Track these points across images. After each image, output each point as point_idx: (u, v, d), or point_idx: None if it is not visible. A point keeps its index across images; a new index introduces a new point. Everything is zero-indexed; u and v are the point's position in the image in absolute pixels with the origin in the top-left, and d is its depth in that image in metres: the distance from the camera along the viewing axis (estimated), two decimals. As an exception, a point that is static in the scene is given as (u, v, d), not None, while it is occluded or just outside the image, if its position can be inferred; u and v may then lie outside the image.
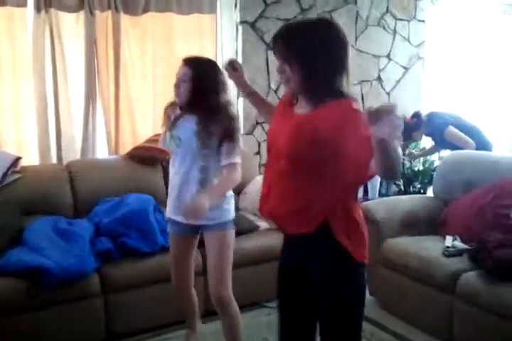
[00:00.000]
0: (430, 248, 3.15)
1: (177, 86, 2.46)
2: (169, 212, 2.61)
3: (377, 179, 4.27)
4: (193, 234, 2.63)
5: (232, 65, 2.30)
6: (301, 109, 1.81)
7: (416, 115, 4.25)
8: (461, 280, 2.85)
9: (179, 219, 2.52)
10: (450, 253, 3.03)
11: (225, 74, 2.41)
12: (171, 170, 2.59)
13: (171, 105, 2.61)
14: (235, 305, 2.57)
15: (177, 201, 2.53)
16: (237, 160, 2.47)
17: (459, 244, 3.09)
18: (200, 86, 2.42)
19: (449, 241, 3.14)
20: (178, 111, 2.57)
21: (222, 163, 2.45)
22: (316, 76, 1.71)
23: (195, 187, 2.46)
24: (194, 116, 2.47)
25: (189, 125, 2.47)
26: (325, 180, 1.73)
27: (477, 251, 2.92)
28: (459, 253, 3.03)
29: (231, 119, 2.45)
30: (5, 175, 3.24)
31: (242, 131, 2.70)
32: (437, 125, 4.14)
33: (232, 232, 2.57)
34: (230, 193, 2.57)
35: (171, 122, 2.56)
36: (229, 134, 2.41)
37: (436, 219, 3.48)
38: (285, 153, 1.76)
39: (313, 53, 1.69)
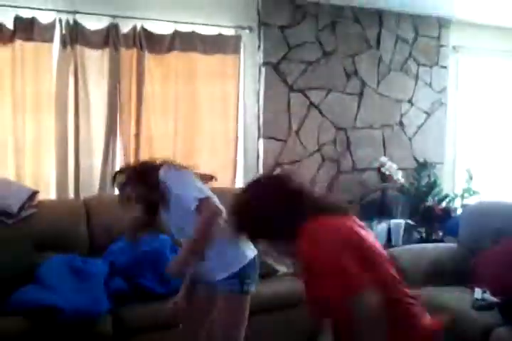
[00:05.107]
0: (458, 299, 3.01)
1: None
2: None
3: (401, 224, 4.14)
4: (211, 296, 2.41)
5: None
6: None
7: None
8: (493, 335, 2.70)
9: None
10: (480, 306, 2.89)
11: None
12: None
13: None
14: None
15: None
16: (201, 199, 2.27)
17: (489, 297, 2.95)
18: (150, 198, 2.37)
19: (478, 293, 2.99)
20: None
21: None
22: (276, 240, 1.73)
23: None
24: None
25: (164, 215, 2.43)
26: None
27: (509, 305, 2.77)
28: (489, 306, 2.89)
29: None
30: (21, 209, 3.19)
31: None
32: None
33: (244, 296, 2.35)
34: (242, 251, 2.34)
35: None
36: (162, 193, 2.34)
37: (462, 268, 3.34)
38: None
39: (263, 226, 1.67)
